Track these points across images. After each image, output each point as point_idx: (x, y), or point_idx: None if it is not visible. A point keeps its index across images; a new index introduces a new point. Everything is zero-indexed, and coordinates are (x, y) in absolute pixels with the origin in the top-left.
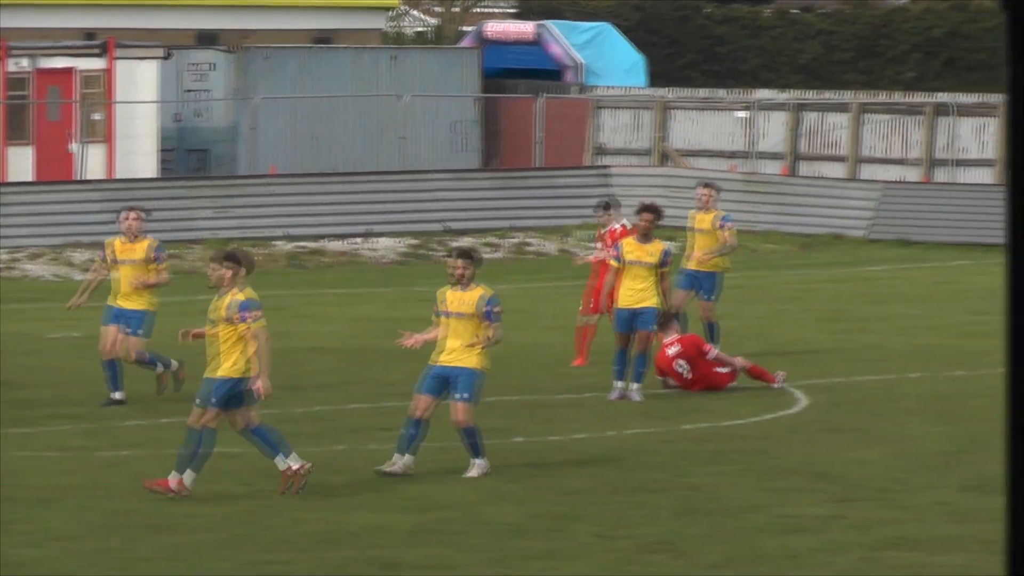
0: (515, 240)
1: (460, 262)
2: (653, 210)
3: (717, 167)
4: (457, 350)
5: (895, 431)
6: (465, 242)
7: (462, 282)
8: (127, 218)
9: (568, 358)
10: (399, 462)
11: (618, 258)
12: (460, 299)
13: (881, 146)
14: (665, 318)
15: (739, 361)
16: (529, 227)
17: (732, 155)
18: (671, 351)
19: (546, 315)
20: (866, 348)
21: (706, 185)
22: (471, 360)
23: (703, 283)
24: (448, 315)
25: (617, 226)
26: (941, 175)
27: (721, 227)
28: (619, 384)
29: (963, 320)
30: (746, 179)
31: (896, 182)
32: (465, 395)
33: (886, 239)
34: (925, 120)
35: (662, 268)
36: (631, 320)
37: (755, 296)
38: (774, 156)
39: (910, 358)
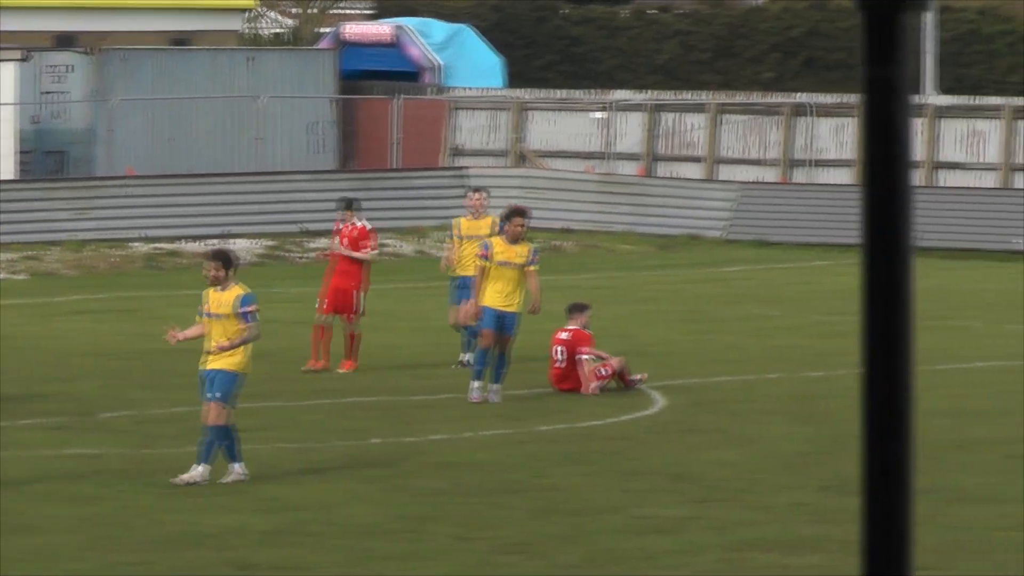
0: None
1: (212, 264)
2: (524, 214)
3: (574, 168)
4: (214, 351)
5: (753, 432)
6: (322, 243)
7: (217, 283)
8: None
9: (425, 359)
10: (199, 471)
11: (486, 256)
12: (219, 300)
13: (739, 146)
14: (577, 307)
15: (616, 362)
16: (386, 228)
17: (589, 156)
18: (562, 335)
19: (403, 316)
20: (724, 349)
21: (476, 190)
22: (227, 362)
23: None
24: (209, 316)
25: (359, 224)
26: (799, 175)
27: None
28: (476, 384)
29: (821, 320)
30: (603, 180)
31: (754, 183)
32: (217, 395)
33: (744, 240)
34: (783, 120)
35: (529, 267)
36: (500, 320)
37: (612, 297)
38: (631, 157)
39: (768, 359)
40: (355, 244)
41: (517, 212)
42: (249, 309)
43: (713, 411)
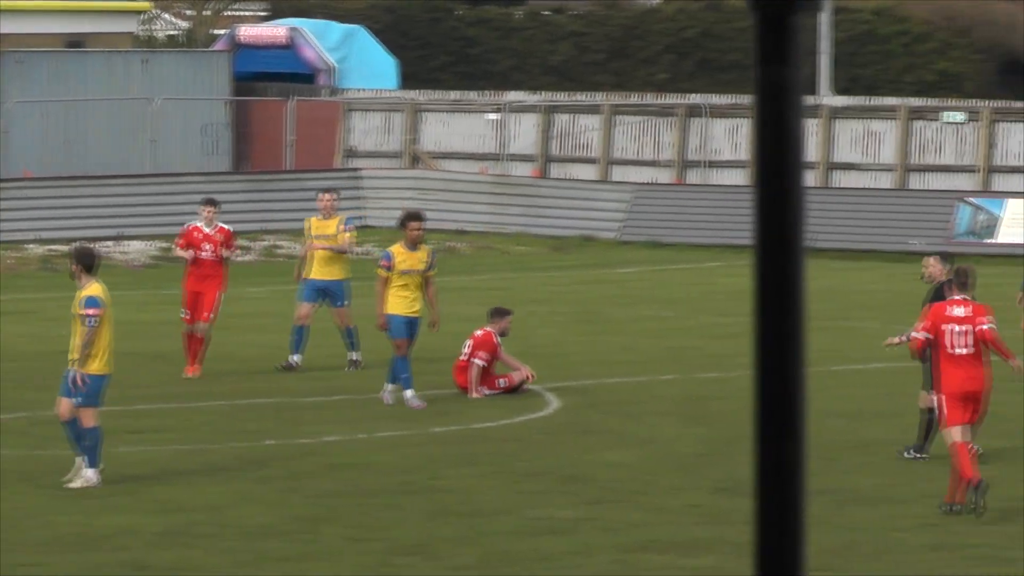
0: (265, 243)
1: (71, 261)
2: (418, 217)
3: (468, 169)
4: (75, 351)
5: (647, 433)
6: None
7: (76, 281)
8: None
9: (317, 361)
10: (89, 475)
11: (389, 267)
12: (76, 298)
13: (633, 148)
14: (498, 312)
15: (524, 372)
16: (280, 230)
17: (483, 157)
18: (477, 333)
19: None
20: (618, 350)
21: (327, 191)
22: (88, 365)
23: (332, 291)
24: (73, 315)
25: (224, 226)
26: (693, 177)
27: (345, 230)
28: (389, 387)
29: (715, 322)
30: (497, 181)
31: (648, 184)
32: (79, 399)
33: (637, 241)
34: (677, 121)
35: (428, 272)
36: (410, 327)
37: (506, 298)
38: (525, 158)
39: (662, 360)
40: (228, 245)
41: (411, 216)
42: (87, 312)
43: (607, 412)
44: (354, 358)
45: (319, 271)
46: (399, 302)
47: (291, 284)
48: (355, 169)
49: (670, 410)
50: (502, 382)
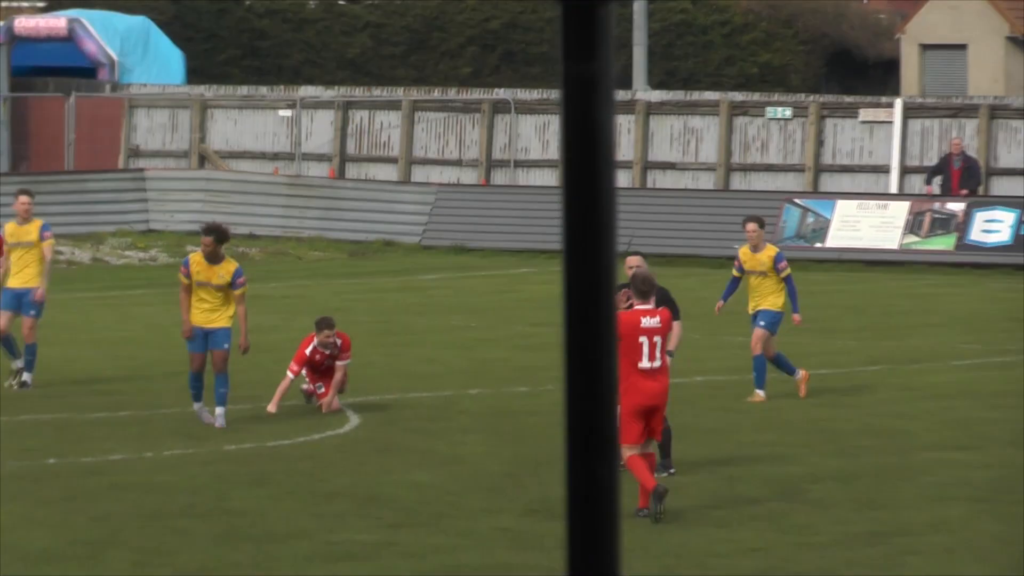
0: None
1: None
2: (213, 232)
3: (260, 169)
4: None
5: (452, 451)
6: None
7: None
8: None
9: (102, 373)
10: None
11: (186, 274)
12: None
13: (436, 146)
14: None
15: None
16: (60, 234)
17: (276, 156)
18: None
19: (79, 328)
20: (420, 362)
21: (23, 192)
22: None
23: (25, 299)
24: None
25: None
26: (500, 177)
27: (43, 236)
28: (197, 405)
29: (525, 332)
30: (291, 182)
31: (451, 185)
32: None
33: (441, 246)
34: (482, 118)
35: (233, 290)
36: (206, 339)
37: (300, 307)
38: (321, 157)
39: (468, 373)
40: None
41: (207, 231)
42: None
43: (409, 429)
44: (24, 379)
45: (16, 278)
46: (197, 313)
47: (72, 292)
48: (139, 170)
49: (477, 427)
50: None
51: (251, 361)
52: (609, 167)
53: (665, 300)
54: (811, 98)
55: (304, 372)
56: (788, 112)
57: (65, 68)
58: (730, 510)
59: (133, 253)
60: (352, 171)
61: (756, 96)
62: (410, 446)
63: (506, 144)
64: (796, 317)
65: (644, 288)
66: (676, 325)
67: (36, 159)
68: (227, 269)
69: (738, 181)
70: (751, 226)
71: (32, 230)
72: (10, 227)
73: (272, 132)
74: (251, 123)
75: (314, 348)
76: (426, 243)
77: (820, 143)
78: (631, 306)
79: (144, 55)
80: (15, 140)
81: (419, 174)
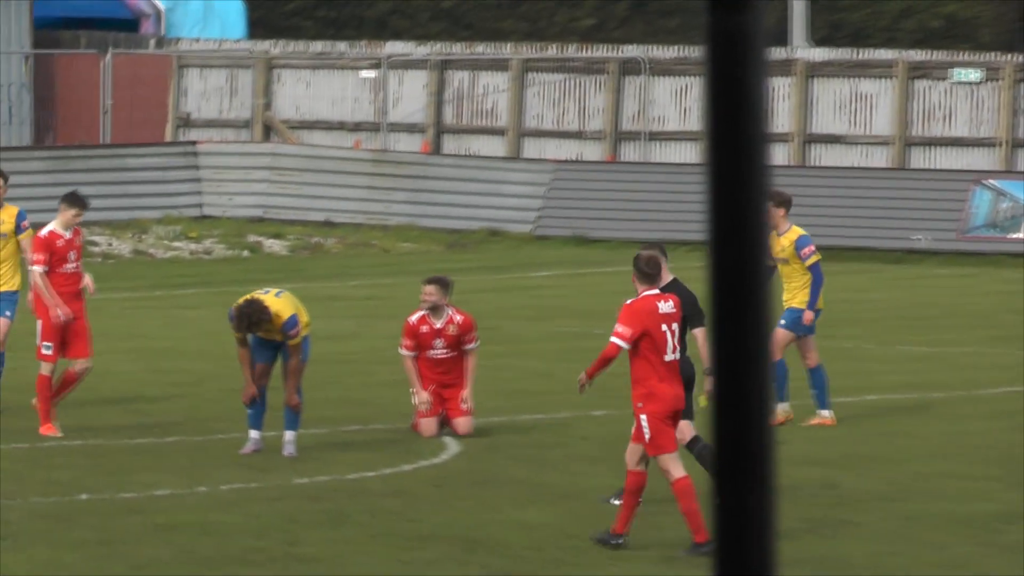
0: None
1: None
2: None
3: (338, 143)
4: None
5: (570, 485)
6: None
7: None
8: None
9: (145, 391)
10: None
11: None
12: None
13: (551, 115)
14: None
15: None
16: (95, 221)
17: (357, 127)
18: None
19: (116, 335)
20: (530, 377)
21: None
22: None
23: (2, 300)
24: None
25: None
26: (630, 152)
27: (21, 227)
28: (256, 434)
29: None
30: (375, 159)
31: (570, 162)
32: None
33: (558, 236)
34: (609, 81)
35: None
36: (274, 348)
37: (384, 310)
38: (411, 128)
39: (589, 391)
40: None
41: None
42: None
43: (518, 458)
44: None
45: None
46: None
47: (109, 292)
48: (190, 143)
49: (600, 455)
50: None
51: (328, 375)
52: (761, 140)
53: (689, 304)
54: (1005, 58)
55: (421, 383)
56: (978, 75)
57: (101, 19)
58: (909, 555)
59: (183, 244)
60: (450, 145)
61: (939, 55)
62: (519, 478)
63: (637, 112)
64: (807, 315)
65: (650, 271)
66: (700, 333)
67: (64, 129)
68: (278, 320)
69: (918, 158)
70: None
71: (8, 219)
72: None
73: (352, 97)
74: (326, 86)
75: (420, 317)
76: (539, 232)
77: (1016, 112)
78: None
79: (195, 4)
80: (39, 106)
81: (531, 148)
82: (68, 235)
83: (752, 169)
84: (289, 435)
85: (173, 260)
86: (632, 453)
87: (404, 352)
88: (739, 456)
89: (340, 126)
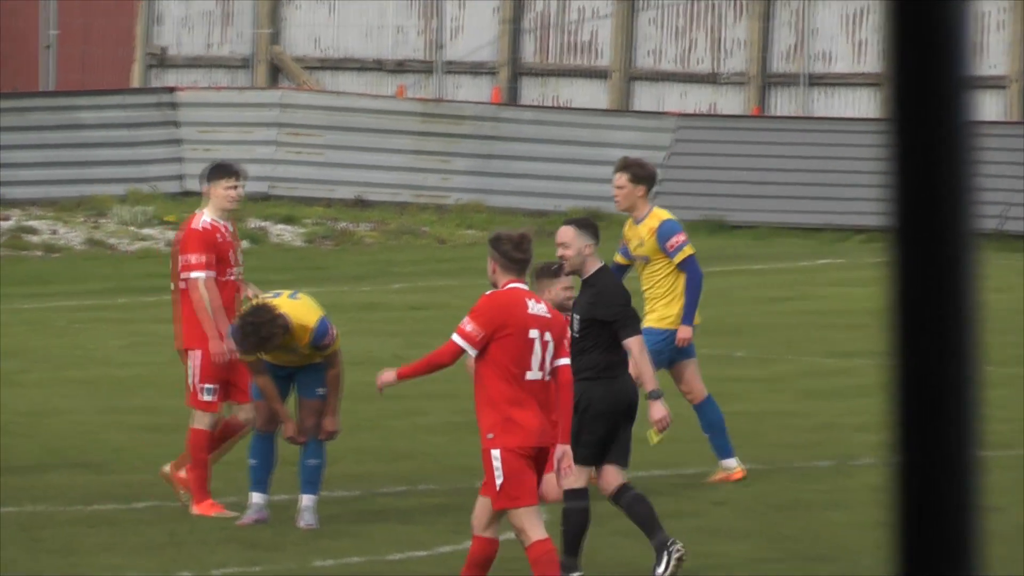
0: (8, 223)
1: None
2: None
3: (374, 89)
4: None
5: (698, 566)
6: None
7: None
8: None
9: (107, 436)
10: None
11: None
12: None
13: (673, 50)
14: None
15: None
16: (33, 199)
17: (400, 67)
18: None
19: (67, 360)
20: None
21: None
22: None
23: None
24: None
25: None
26: (783, 102)
27: None
28: (259, 497)
29: (822, 367)
30: (426, 111)
31: (700, 115)
32: None
33: (685, 219)
34: (752, 3)
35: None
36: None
37: (438, 325)
38: (477, 69)
39: (736, 437)
40: None
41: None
42: None
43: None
44: None
45: None
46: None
47: (55, 299)
48: (167, 90)
49: (743, 528)
50: None
51: (361, 417)
52: (964, 86)
53: (617, 306)
54: None
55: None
56: None
57: None
58: None
59: (156, 233)
60: (531, 92)
61: None
62: (627, 560)
63: (793, 47)
64: (683, 332)
65: (519, 255)
66: (635, 344)
67: None
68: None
69: None
70: (618, 176)
71: None
72: None
73: (393, 26)
74: (356, 11)
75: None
76: None
77: None
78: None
79: None
80: None
81: (645, 97)
82: (229, 227)
83: (951, 127)
84: (307, 500)
85: (142, 254)
86: (482, 511)
87: None
88: (933, 526)
89: (377, 66)
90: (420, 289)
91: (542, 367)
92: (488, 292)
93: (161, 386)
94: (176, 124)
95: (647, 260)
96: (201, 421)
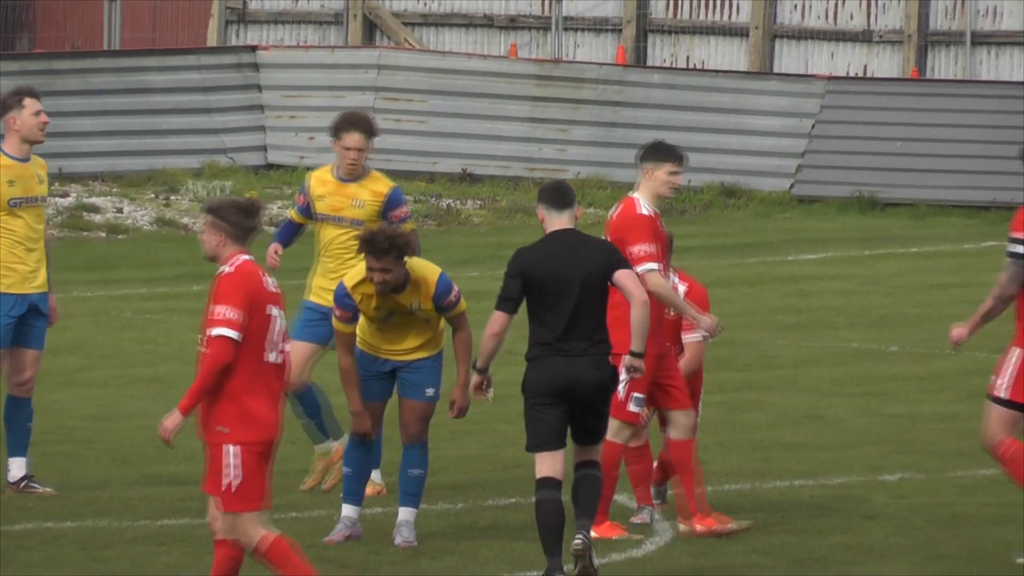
0: (68, 201)
1: None
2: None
3: (483, 49)
4: None
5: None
6: None
7: None
8: None
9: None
10: None
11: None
12: None
13: (820, 5)
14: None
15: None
16: (95, 172)
17: (513, 23)
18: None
19: (136, 356)
20: (797, 421)
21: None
22: None
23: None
24: None
25: None
26: (943, 64)
27: None
28: (351, 511)
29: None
30: (542, 73)
31: (851, 78)
32: None
33: (831, 196)
34: None
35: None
36: (390, 379)
37: None
38: (599, 26)
39: (881, 441)
40: None
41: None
42: None
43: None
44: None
45: None
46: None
47: (99, 287)
48: (248, 49)
49: (899, 545)
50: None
51: (465, 420)
52: None
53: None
54: None
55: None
56: None
57: None
58: None
59: None
60: (660, 52)
61: None
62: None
63: (956, 1)
64: None
65: (251, 224)
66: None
67: (46, 30)
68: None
69: None
70: (351, 137)
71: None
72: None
73: None
74: None
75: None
76: (802, 191)
77: None
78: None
79: None
80: None
81: (789, 57)
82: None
83: None
84: (406, 513)
85: None
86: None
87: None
88: None
89: (487, 22)
90: None
91: (278, 348)
92: (221, 272)
93: None
94: (258, 88)
95: (360, 225)
96: (622, 434)
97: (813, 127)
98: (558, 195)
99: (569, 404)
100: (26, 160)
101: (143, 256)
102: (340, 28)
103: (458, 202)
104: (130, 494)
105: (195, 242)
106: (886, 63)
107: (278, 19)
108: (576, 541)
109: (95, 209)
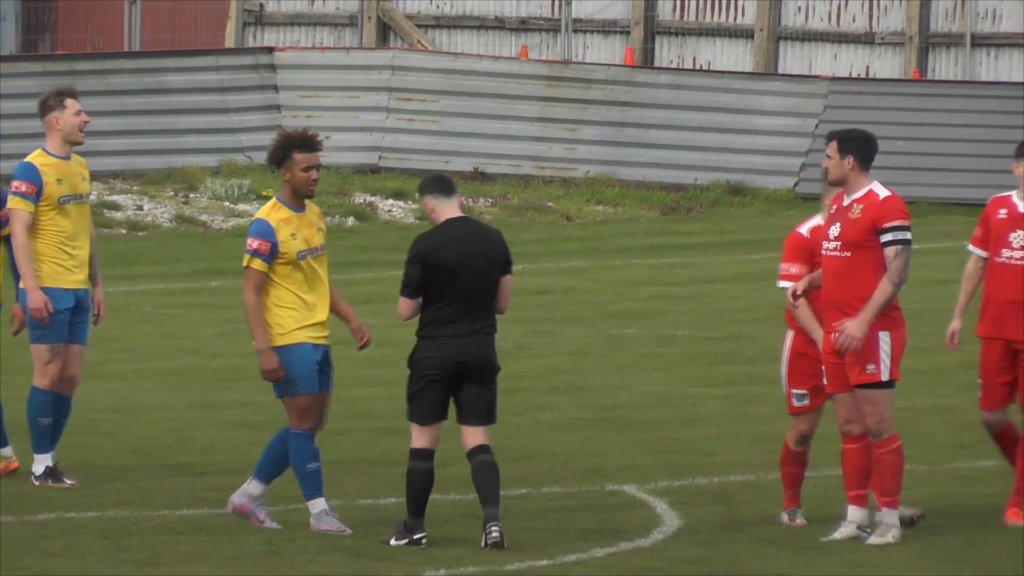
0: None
1: None
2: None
3: (494, 50)
4: None
5: None
6: None
7: None
8: None
9: (198, 435)
10: None
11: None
12: None
13: (824, 6)
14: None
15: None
16: (115, 171)
17: (523, 25)
18: None
19: (154, 351)
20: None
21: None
22: None
23: None
24: None
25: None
26: (944, 64)
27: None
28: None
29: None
30: (552, 74)
31: (854, 79)
32: None
33: None
34: None
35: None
36: (324, 362)
37: (565, 311)
38: (608, 28)
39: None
40: None
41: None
42: None
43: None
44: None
45: None
46: (296, 316)
47: (120, 282)
48: (265, 51)
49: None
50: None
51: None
52: None
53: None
54: None
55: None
56: None
57: None
58: None
59: (251, 208)
60: (667, 53)
61: None
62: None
63: (956, 4)
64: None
65: None
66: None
67: (67, 31)
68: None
69: None
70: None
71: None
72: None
73: None
74: None
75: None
76: (807, 189)
77: None
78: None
79: None
80: None
81: (793, 58)
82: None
83: None
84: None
85: (237, 232)
86: None
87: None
88: None
89: (498, 24)
90: (545, 271)
91: None
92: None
93: (258, 379)
94: (275, 88)
95: None
96: (791, 439)
97: (817, 127)
98: (443, 184)
99: (458, 381)
100: (67, 159)
101: (162, 252)
102: (355, 30)
103: (470, 200)
104: (149, 485)
105: (213, 238)
106: (888, 64)
107: (294, 21)
108: (494, 533)
109: (115, 207)
